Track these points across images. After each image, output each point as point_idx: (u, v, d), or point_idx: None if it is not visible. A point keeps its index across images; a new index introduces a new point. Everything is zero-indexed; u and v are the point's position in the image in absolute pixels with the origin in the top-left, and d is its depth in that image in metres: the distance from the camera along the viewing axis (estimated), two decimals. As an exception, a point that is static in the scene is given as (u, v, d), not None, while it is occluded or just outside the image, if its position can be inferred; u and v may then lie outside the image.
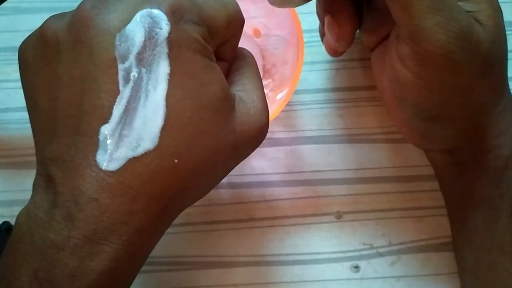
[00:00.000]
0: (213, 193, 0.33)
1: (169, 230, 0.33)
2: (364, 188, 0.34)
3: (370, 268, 0.33)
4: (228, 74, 0.25)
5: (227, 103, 0.22)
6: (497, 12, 0.26)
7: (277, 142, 0.34)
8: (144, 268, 0.33)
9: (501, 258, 0.27)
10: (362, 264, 0.33)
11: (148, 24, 0.20)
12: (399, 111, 0.29)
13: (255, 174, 0.34)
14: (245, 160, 0.34)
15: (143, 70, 0.20)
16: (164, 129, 0.20)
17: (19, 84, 0.23)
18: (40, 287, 0.19)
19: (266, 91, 0.34)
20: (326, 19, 0.29)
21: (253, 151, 0.24)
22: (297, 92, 0.34)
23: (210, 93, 0.21)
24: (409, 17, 0.24)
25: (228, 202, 0.33)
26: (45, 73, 0.21)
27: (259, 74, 0.25)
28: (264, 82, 0.35)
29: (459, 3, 0.26)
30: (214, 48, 0.22)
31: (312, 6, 0.36)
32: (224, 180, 0.33)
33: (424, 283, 0.33)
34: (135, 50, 0.20)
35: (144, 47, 0.20)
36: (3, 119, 0.34)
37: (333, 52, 0.32)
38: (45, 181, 0.21)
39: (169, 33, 0.20)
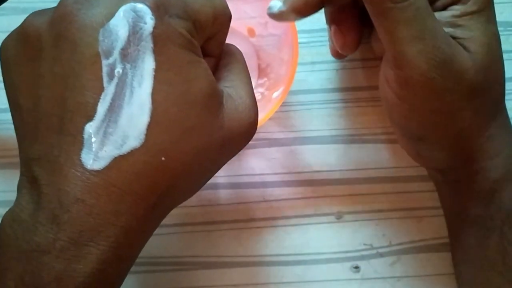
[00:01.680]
0: (213, 194, 0.33)
1: (169, 230, 0.33)
2: (364, 188, 0.34)
3: (370, 268, 0.33)
4: (216, 70, 0.24)
5: (215, 99, 0.21)
6: (491, 39, 0.26)
7: (277, 142, 0.34)
8: (144, 268, 0.33)
9: (493, 276, 0.27)
10: (362, 264, 0.33)
11: (132, 18, 0.19)
12: (392, 128, 0.30)
13: (255, 174, 0.34)
14: (245, 160, 0.34)
15: (128, 66, 0.19)
16: (150, 126, 0.19)
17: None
18: None
19: (261, 90, 0.34)
20: (332, 29, 0.30)
21: (242, 148, 0.24)
22: (297, 92, 0.34)
23: (197, 88, 0.20)
24: (393, 43, 0.25)
25: (228, 202, 0.33)
26: (27, 71, 0.21)
27: (248, 70, 0.25)
28: (259, 81, 0.35)
29: (450, 29, 0.26)
30: (200, 43, 0.22)
31: (312, 6, 0.36)
32: (224, 181, 0.34)
33: (424, 283, 0.33)
34: (119, 45, 0.19)
35: (128, 42, 0.19)
36: (3, 119, 0.34)
37: (338, 55, 0.32)
38: (29, 182, 0.20)
39: (154, 28, 0.20)
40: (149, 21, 0.20)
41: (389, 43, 0.25)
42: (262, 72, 0.35)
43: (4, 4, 0.31)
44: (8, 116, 0.34)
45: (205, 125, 0.21)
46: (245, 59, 0.25)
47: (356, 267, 0.33)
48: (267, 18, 0.28)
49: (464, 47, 0.26)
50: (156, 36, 0.20)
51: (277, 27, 0.32)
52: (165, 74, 0.20)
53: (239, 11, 0.33)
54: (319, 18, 0.35)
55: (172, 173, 0.20)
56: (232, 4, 0.32)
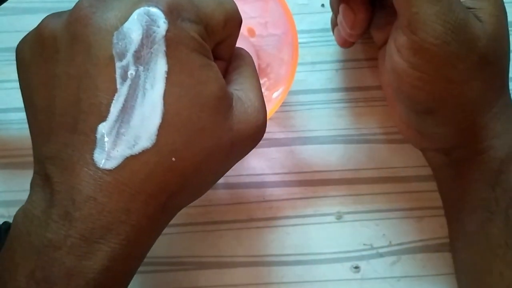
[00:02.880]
0: (213, 194, 0.33)
1: (169, 230, 0.33)
2: (364, 188, 0.34)
3: (370, 268, 0.33)
4: (226, 73, 0.25)
5: (225, 101, 0.22)
6: (500, 12, 0.27)
7: (277, 143, 0.34)
8: (144, 268, 0.33)
9: (495, 261, 0.27)
10: (362, 264, 0.33)
11: (146, 22, 0.20)
12: (396, 105, 0.30)
13: (255, 174, 0.34)
14: (245, 160, 0.34)
15: (141, 68, 0.20)
16: (161, 127, 0.20)
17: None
18: (37, 286, 0.19)
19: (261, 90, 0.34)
20: (341, 8, 0.29)
21: (251, 150, 0.24)
22: (297, 92, 0.34)
23: (208, 91, 0.21)
24: (409, 5, 0.25)
25: (228, 202, 0.33)
26: (43, 72, 0.21)
27: (257, 74, 0.25)
28: None
29: None
30: (211, 47, 0.22)
31: (312, 6, 0.36)
32: (224, 181, 0.34)
33: (424, 283, 0.33)
34: (132, 48, 0.20)
35: (141, 45, 0.20)
36: (3, 119, 0.34)
37: (343, 42, 0.32)
38: (43, 180, 0.21)
39: (167, 31, 0.20)
40: (162, 25, 0.20)
41: (403, 5, 0.25)
42: (262, 72, 0.35)
43: (4, 5, 0.31)
44: (8, 116, 0.34)
45: (215, 127, 0.21)
46: None
47: (356, 267, 0.33)
48: (267, 18, 0.28)
49: (476, 17, 0.26)
50: (168, 39, 0.20)
51: (277, 27, 0.32)
52: (177, 76, 0.20)
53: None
54: (319, 18, 0.35)
55: (182, 173, 0.21)
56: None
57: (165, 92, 0.20)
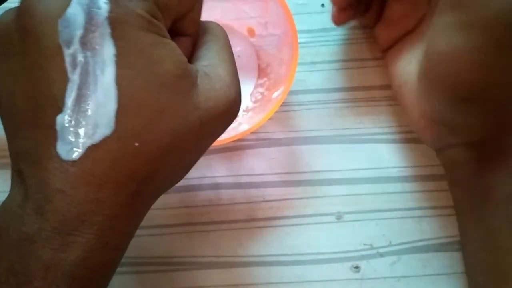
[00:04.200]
0: (213, 194, 0.33)
1: (169, 230, 0.33)
2: (364, 188, 0.34)
3: (370, 268, 0.33)
4: (194, 49, 0.24)
5: (185, 79, 0.21)
6: None
7: (277, 143, 0.34)
8: (144, 268, 0.33)
9: None
10: (362, 264, 0.33)
11: (87, 5, 0.19)
12: (424, 101, 0.28)
13: (255, 174, 0.34)
14: (245, 160, 0.34)
15: (88, 53, 0.19)
16: (119, 113, 0.19)
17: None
18: (17, 280, 0.19)
19: (261, 90, 0.34)
20: None
21: (226, 127, 0.23)
22: (297, 92, 0.34)
23: (163, 70, 0.20)
24: None
25: (228, 202, 0.33)
26: (3, 69, 0.21)
27: (229, 48, 0.24)
28: (259, 81, 0.35)
29: None
30: (168, 24, 0.22)
31: (312, 6, 0.36)
32: (224, 180, 0.34)
33: (424, 283, 0.33)
34: (78, 34, 0.19)
35: (86, 29, 0.19)
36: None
37: (338, 19, 0.31)
38: (17, 175, 0.21)
39: (109, 12, 0.19)
40: (103, 6, 0.19)
41: None
42: (262, 72, 0.35)
43: (4, 4, 0.31)
44: (8, 116, 0.34)
45: (177, 107, 0.21)
46: (245, 59, 0.25)
47: (356, 267, 0.33)
48: (267, 18, 0.28)
49: None
50: (112, 20, 0.19)
51: (277, 27, 0.32)
52: (126, 58, 0.20)
53: (239, 11, 0.33)
54: (319, 18, 0.35)
55: (149, 157, 0.20)
56: (231, 4, 0.32)
57: (117, 75, 0.19)
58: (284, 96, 0.29)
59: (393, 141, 0.34)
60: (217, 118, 0.22)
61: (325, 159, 0.34)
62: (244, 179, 0.34)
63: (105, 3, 0.19)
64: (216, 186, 0.33)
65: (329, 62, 0.35)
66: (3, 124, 0.22)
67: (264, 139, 0.34)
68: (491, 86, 0.26)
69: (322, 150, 0.34)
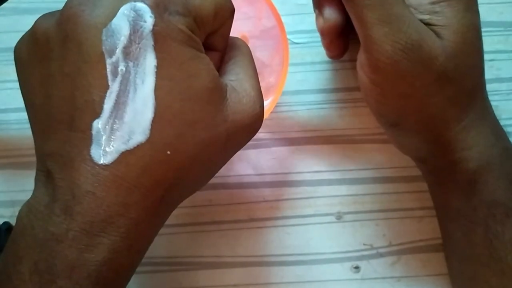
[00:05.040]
0: (213, 194, 0.33)
1: (169, 230, 0.33)
2: (364, 188, 0.34)
3: (370, 268, 0.33)
4: (221, 63, 0.25)
5: (218, 92, 0.22)
6: (467, 28, 0.26)
7: (277, 143, 0.34)
8: (144, 268, 0.33)
9: (481, 270, 0.28)
10: (362, 264, 0.33)
11: (133, 17, 0.20)
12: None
13: (255, 174, 0.34)
14: (245, 160, 0.34)
15: (130, 63, 0.20)
16: (154, 122, 0.20)
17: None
18: (40, 279, 0.20)
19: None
20: (315, 13, 0.30)
21: (248, 140, 0.24)
22: (297, 92, 0.34)
23: (199, 83, 0.21)
24: (361, 27, 0.26)
25: (228, 202, 0.33)
26: (39, 71, 0.22)
27: (253, 64, 0.25)
28: None
29: (427, 16, 0.26)
30: (202, 39, 0.22)
31: (312, 7, 0.36)
32: (224, 181, 0.34)
33: (424, 283, 0.33)
34: (121, 44, 0.20)
35: (130, 41, 0.20)
36: (3, 119, 0.34)
37: (328, 54, 0.32)
38: (45, 176, 0.21)
39: (154, 26, 0.20)
40: (148, 19, 0.20)
41: (358, 26, 0.26)
42: None
43: (5, 5, 0.31)
44: (8, 116, 0.34)
45: (209, 119, 0.22)
46: None
47: (356, 267, 0.33)
48: (261, 27, 0.28)
49: (438, 34, 0.26)
50: (156, 33, 0.20)
51: (270, 37, 0.32)
52: (166, 70, 0.21)
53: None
54: (319, 18, 0.35)
55: (178, 166, 0.21)
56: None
57: (156, 86, 0.20)
58: (273, 105, 0.29)
59: (393, 141, 0.34)
60: (242, 131, 0.23)
61: (325, 159, 0.34)
62: (244, 179, 0.34)
63: (150, 17, 0.20)
64: (216, 186, 0.33)
65: (329, 62, 0.35)
66: (33, 124, 0.22)
67: (264, 139, 0.34)
68: (400, 115, 0.28)
69: (322, 150, 0.34)
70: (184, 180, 0.22)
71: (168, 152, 0.21)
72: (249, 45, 0.34)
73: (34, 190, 0.22)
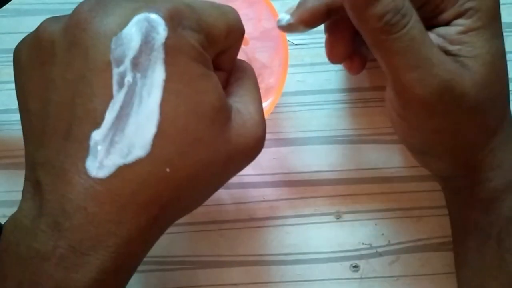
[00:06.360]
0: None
1: (169, 230, 0.33)
2: (363, 188, 0.34)
3: (370, 267, 0.33)
4: (227, 84, 0.24)
5: (223, 113, 0.21)
6: (495, 57, 0.26)
7: (277, 143, 0.34)
8: (144, 267, 0.33)
9: (489, 281, 0.28)
10: (361, 263, 0.33)
11: (145, 28, 0.19)
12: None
13: (255, 174, 0.34)
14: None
15: (138, 75, 0.19)
16: (157, 137, 0.19)
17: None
18: None
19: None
20: (325, 36, 0.30)
21: (248, 163, 0.24)
22: (296, 93, 0.34)
23: (206, 101, 0.20)
24: (390, 71, 0.25)
25: (228, 202, 0.34)
26: (38, 75, 0.21)
27: (258, 87, 0.25)
28: None
29: (456, 46, 0.26)
30: (212, 57, 0.22)
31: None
32: (224, 180, 0.34)
33: (423, 282, 0.33)
34: (130, 54, 0.19)
35: (140, 51, 0.19)
36: (4, 120, 0.34)
37: (332, 60, 0.32)
38: (33, 187, 0.20)
39: (166, 39, 0.19)
40: (161, 32, 0.20)
41: (386, 70, 0.26)
42: None
43: (6, 6, 0.31)
44: (9, 117, 0.34)
45: (212, 139, 0.21)
46: None
47: (356, 266, 0.33)
48: (261, 28, 0.28)
49: (467, 66, 0.25)
50: (168, 47, 0.20)
51: (270, 38, 0.32)
52: (175, 85, 0.20)
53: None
54: (318, 20, 0.35)
55: (176, 184, 0.20)
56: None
57: (162, 100, 0.19)
58: (273, 106, 0.29)
59: (392, 141, 0.34)
60: (243, 154, 0.23)
61: (324, 159, 0.34)
62: (244, 179, 0.34)
63: (163, 29, 0.20)
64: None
65: (328, 63, 0.35)
66: (25, 130, 0.21)
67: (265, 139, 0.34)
68: (430, 146, 0.28)
69: (321, 150, 0.34)
70: (180, 199, 0.21)
71: (168, 170, 0.20)
72: (249, 46, 0.34)
73: (21, 203, 0.20)
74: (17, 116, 0.34)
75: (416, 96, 0.25)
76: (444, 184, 0.31)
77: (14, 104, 0.34)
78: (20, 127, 0.34)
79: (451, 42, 0.26)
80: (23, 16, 0.35)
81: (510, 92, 0.30)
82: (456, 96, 0.25)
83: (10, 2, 0.31)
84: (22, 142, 0.34)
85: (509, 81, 0.31)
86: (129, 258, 0.20)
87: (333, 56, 0.30)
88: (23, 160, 0.33)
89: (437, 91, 0.25)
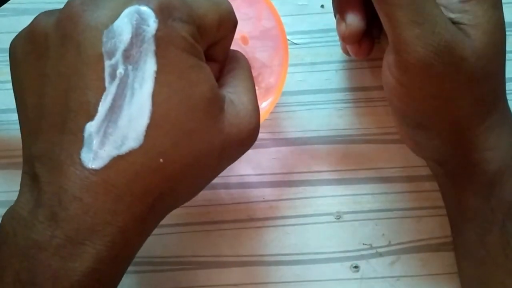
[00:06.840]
0: (213, 193, 0.34)
1: (169, 230, 0.33)
2: (363, 188, 0.34)
3: (370, 268, 0.33)
4: (220, 75, 0.24)
5: (216, 104, 0.22)
6: (496, 27, 0.26)
7: (277, 143, 0.34)
8: (143, 268, 0.33)
9: (495, 271, 0.27)
10: (361, 264, 0.33)
11: (136, 21, 0.20)
12: (392, 116, 0.30)
13: (255, 174, 0.34)
14: (245, 160, 0.34)
15: (130, 67, 0.20)
16: (149, 128, 0.20)
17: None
18: None
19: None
20: (336, 18, 0.30)
21: (242, 154, 0.24)
22: (297, 93, 0.34)
23: (198, 93, 0.21)
24: (392, 27, 0.25)
25: (228, 202, 0.34)
26: (34, 70, 0.21)
27: (252, 77, 0.25)
28: None
29: (457, 14, 0.26)
30: (204, 48, 0.22)
31: (311, 7, 0.36)
32: (224, 181, 0.34)
33: (423, 283, 0.33)
34: (122, 46, 0.20)
35: (131, 44, 0.20)
36: (4, 119, 0.34)
37: (347, 51, 0.32)
38: (30, 179, 0.21)
39: (157, 31, 0.20)
40: (152, 24, 0.20)
41: (388, 26, 0.26)
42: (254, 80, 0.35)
43: (5, 5, 0.31)
44: (8, 116, 0.34)
45: (205, 130, 0.21)
46: None
47: (356, 267, 0.33)
48: (261, 27, 0.28)
49: (467, 34, 0.26)
50: (158, 38, 0.20)
51: (270, 38, 0.32)
52: (166, 76, 0.20)
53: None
54: (318, 19, 0.35)
55: (170, 175, 0.21)
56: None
57: (154, 92, 0.20)
58: (273, 106, 0.29)
59: (392, 141, 0.34)
60: (237, 144, 0.23)
61: (325, 159, 0.34)
62: (244, 179, 0.34)
63: (154, 22, 0.20)
64: (216, 186, 0.34)
65: (329, 63, 0.35)
66: (22, 124, 0.22)
67: (264, 139, 0.34)
68: (426, 116, 0.28)
69: (322, 150, 0.34)
70: (174, 190, 0.21)
71: (161, 160, 0.20)
72: (249, 46, 0.34)
73: (19, 195, 0.21)
74: (16, 116, 0.34)
75: (416, 54, 0.25)
76: (440, 170, 0.31)
77: (13, 104, 0.34)
78: (19, 126, 0.34)
79: (453, 10, 0.26)
80: (21, 16, 0.35)
81: (508, 92, 0.30)
82: (456, 60, 0.25)
83: (9, 1, 0.31)
84: (21, 142, 0.34)
85: (508, 81, 0.31)
86: (125, 248, 0.21)
87: (347, 38, 0.29)
88: (22, 160, 0.34)
89: (437, 51, 0.25)
